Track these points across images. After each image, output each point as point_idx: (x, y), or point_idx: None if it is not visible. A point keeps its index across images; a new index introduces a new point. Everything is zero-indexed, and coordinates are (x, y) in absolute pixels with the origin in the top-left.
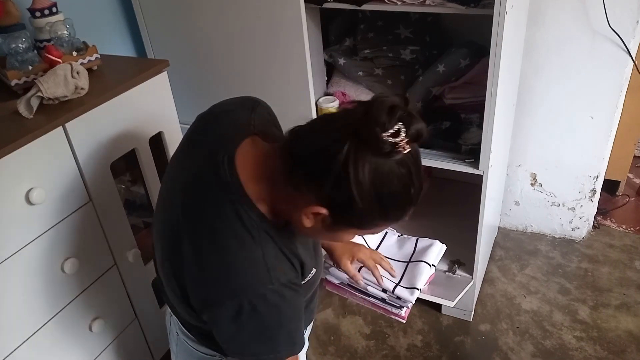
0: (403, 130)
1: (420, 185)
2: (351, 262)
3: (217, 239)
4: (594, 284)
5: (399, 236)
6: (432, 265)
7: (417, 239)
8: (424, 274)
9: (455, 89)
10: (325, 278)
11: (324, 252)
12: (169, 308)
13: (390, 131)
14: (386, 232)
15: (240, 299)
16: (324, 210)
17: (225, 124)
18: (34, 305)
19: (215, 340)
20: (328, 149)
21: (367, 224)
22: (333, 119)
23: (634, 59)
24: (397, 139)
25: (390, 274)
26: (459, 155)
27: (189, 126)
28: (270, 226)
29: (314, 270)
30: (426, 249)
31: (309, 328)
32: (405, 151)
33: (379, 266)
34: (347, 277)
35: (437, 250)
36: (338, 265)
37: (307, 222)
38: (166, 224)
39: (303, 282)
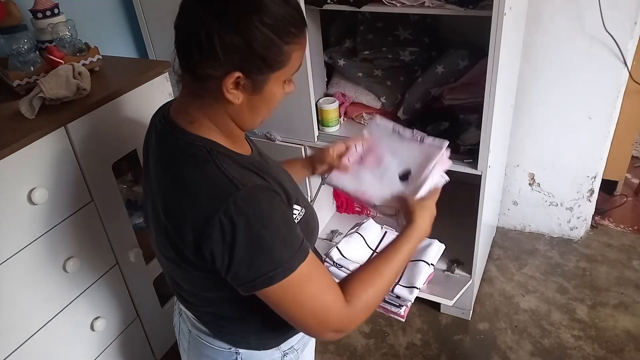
0: None
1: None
2: (333, 153)
3: (174, 177)
4: (592, 284)
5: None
6: (431, 264)
7: None
8: (423, 273)
9: (454, 89)
10: None
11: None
12: (180, 305)
13: None
14: (385, 232)
15: (217, 217)
16: (237, 74)
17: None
18: (36, 304)
19: (229, 331)
20: (193, 25)
21: (280, 57)
22: (184, 9)
23: (627, 63)
24: None
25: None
26: (458, 156)
27: None
28: (223, 148)
29: (301, 208)
30: (425, 248)
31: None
32: None
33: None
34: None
35: (436, 249)
36: (323, 161)
37: (235, 99)
38: (151, 199)
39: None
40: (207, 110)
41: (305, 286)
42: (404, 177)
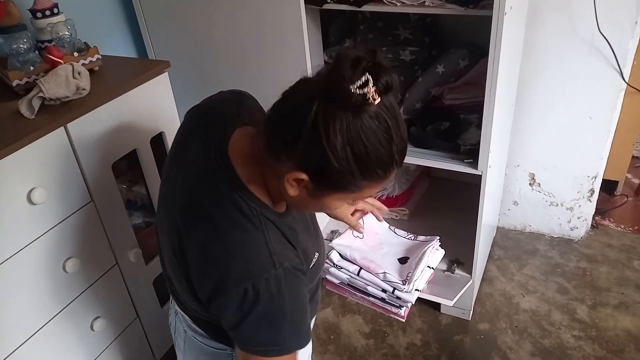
0: (371, 81)
1: (403, 141)
2: (352, 214)
3: (219, 230)
4: (593, 284)
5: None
6: (431, 268)
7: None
8: (426, 277)
9: (455, 89)
10: (325, 277)
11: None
12: (175, 305)
13: (358, 82)
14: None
15: (245, 285)
16: (303, 175)
17: (214, 119)
18: (36, 305)
19: (224, 334)
20: (298, 111)
21: (350, 186)
22: (303, 83)
23: (620, 66)
24: (365, 90)
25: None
26: (458, 156)
27: None
28: (270, 212)
29: (316, 255)
30: (431, 253)
31: (312, 321)
32: (376, 102)
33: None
34: (347, 276)
35: (440, 255)
36: (338, 218)
37: (292, 191)
38: (169, 222)
39: (309, 267)
40: (266, 176)
41: None
42: (403, 260)
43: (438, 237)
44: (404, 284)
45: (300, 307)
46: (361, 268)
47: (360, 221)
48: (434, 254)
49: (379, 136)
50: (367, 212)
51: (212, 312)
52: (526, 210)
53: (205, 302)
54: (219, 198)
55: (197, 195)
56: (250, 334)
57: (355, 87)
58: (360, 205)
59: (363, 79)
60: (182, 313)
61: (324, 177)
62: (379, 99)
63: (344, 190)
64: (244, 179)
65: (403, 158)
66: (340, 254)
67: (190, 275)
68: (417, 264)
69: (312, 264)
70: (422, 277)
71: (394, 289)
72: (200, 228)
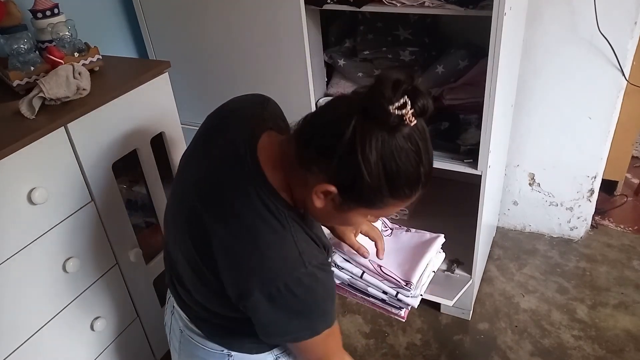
0: (409, 103)
1: (430, 163)
2: (355, 236)
3: (249, 229)
4: (592, 284)
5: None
6: (433, 271)
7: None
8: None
9: (454, 89)
10: None
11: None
12: (174, 304)
13: (397, 103)
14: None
15: (277, 284)
16: (332, 188)
17: (241, 120)
18: (36, 305)
19: (223, 334)
20: (336, 125)
21: (377, 202)
22: (341, 100)
23: (621, 65)
24: (404, 111)
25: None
26: (458, 156)
27: (189, 126)
28: (295, 214)
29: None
30: (435, 257)
31: None
32: (412, 124)
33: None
34: (348, 277)
35: (442, 258)
36: (341, 239)
37: (318, 202)
38: (189, 219)
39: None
40: (292, 184)
41: (320, 344)
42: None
43: (443, 235)
44: (409, 289)
45: (329, 296)
46: (364, 272)
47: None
48: (437, 257)
49: (410, 156)
50: (371, 238)
51: (239, 310)
52: (526, 210)
53: (234, 300)
54: (248, 197)
55: (226, 194)
56: (283, 327)
57: (394, 107)
58: (365, 229)
59: (402, 100)
60: (181, 312)
61: (353, 191)
62: (414, 122)
63: (370, 206)
64: (274, 184)
65: (429, 180)
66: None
67: (216, 272)
68: (424, 268)
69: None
70: (427, 282)
71: (397, 292)
72: (230, 227)
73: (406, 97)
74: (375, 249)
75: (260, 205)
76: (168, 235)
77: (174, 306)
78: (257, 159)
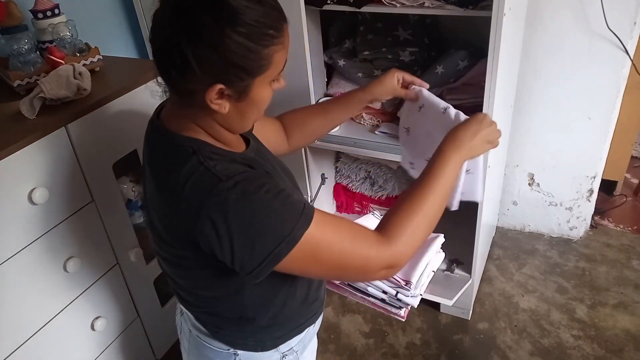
0: None
1: None
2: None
3: (165, 175)
4: (592, 283)
5: None
6: (432, 271)
7: None
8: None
9: (454, 90)
10: None
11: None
12: (180, 306)
13: None
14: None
15: (205, 213)
16: (218, 85)
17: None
18: (37, 304)
19: (227, 332)
20: (169, 40)
21: (260, 61)
22: (154, 21)
23: (632, 58)
24: None
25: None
26: None
27: None
28: (212, 147)
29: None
30: (434, 257)
31: (318, 320)
32: None
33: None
34: None
35: (441, 258)
36: (389, 97)
37: (222, 108)
38: (146, 204)
39: None
40: (195, 119)
41: (323, 245)
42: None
43: (442, 235)
44: (408, 289)
45: (272, 195)
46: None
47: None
48: (436, 257)
49: (246, 4)
50: (408, 80)
51: (220, 279)
52: (525, 210)
53: (194, 257)
54: (159, 154)
55: (154, 162)
56: (249, 254)
57: None
58: (399, 75)
59: None
60: (187, 311)
61: (233, 73)
62: None
63: (257, 72)
64: (176, 129)
65: (282, 11)
66: None
67: (168, 241)
68: (424, 268)
69: None
70: (427, 282)
71: (397, 292)
72: (153, 187)
73: None
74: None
75: (166, 152)
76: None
77: (181, 307)
78: (161, 121)
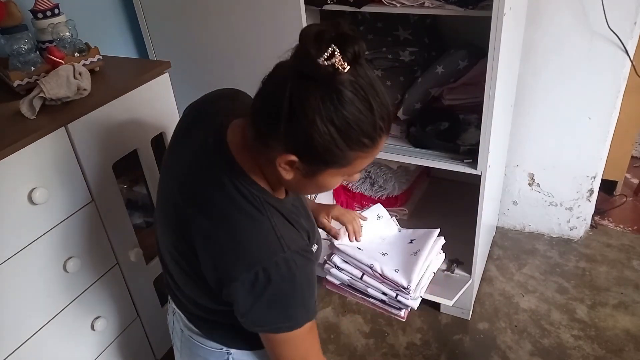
0: (337, 50)
1: (383, 105)
2: (328, 220)
3: (225, 217)
4: (592, 283)
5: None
6: (433, 272)
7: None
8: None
9: (454, 90)
10: (325, 278)
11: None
12: (173, 305)
13: (325, 54)
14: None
15: (256, 270)
16: (292, 157)
17: (211, 112)
18: (37, 304)
19: (221, 332)
20: (275, 94)
21: (339, 159)
22: (277, 68)
23: (632, 59)
24: (333, 60)
25: (355, 237)
26: (458, 156)
27: None
28: (271, 197)
29: (315, 246)
30: (435, 258)
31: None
32: (346, 70)
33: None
34: (348, 277)
35: (442, 259)
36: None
37: (286, 175)
38: (170, 215)
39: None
40: (261, 164)
41: (300, 341)
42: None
43: (442, 237)
44: (408, 292)
45: (309, 284)
46: (364, 273)
47: (342, 229)
48: (437, 258)
49: (357, 105)
50: (341, 222)
51: (223, 300)
52: (525, 210)
53: (215, 289)
54: (222, 186)
55: (200, 185)
56: (262, 315)
57: (323, 59)
58: (335, 214)
59: (329, 50)
60: (179, 311)
61: (311, 154)
62: (348, 67)
63: (334, 165)
64: (244, 167)
65: (388, 125)
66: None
67: (197, 264)
68: (425, 270)
69: (314, 250)
70: (427, 283)
71: (397, 294)
72: (207, 217)
73: (333, 45)
74: (349, 233)
75: (235, 194)
76: (157, 233)
77: (174, 306)
78: (226, 146)
